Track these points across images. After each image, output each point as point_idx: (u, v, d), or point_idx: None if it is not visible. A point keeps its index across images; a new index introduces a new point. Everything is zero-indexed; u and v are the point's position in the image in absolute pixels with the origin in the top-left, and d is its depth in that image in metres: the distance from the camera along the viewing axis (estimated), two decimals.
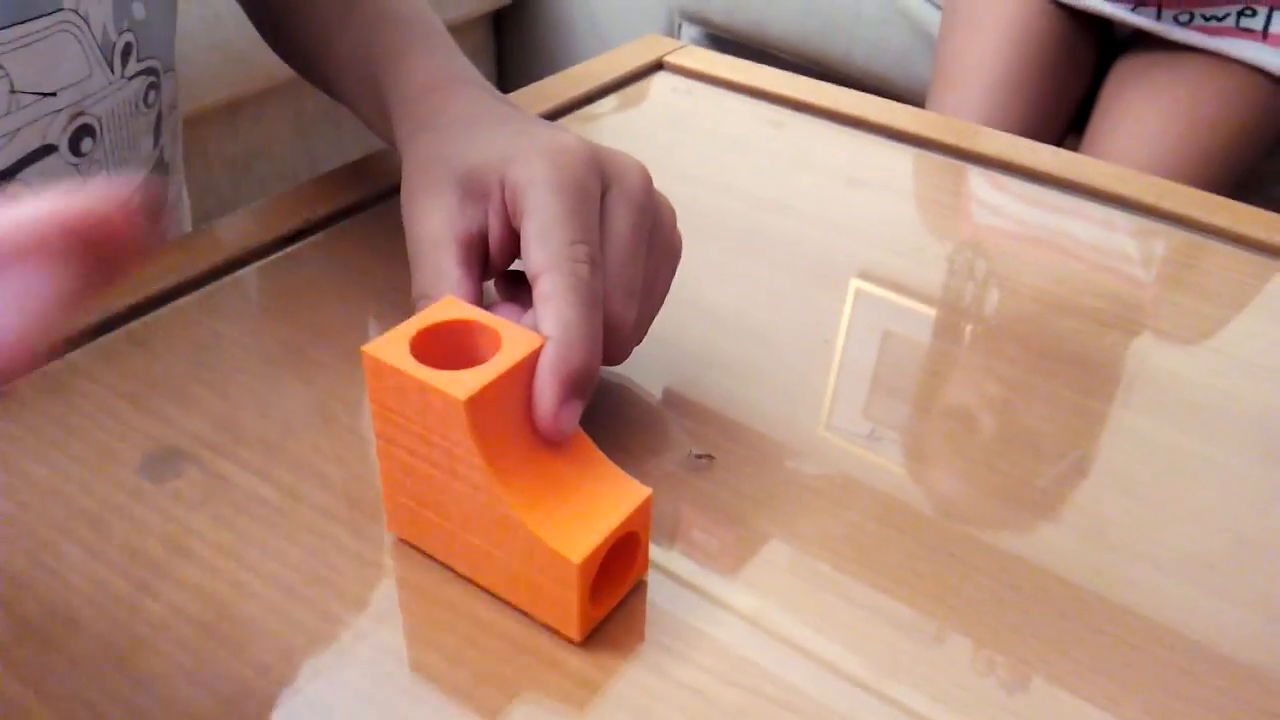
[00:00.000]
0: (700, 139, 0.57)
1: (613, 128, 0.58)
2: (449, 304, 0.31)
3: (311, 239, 0.47)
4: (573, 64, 0.63)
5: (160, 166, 0.52)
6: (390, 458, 0.31)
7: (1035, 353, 0.43)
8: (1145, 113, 0.98)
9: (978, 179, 0.55)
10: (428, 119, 0.40)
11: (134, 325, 0.41)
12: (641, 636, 0.30)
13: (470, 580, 0.31)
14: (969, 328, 0.44)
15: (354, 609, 0.30)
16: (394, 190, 0.40)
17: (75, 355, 0.40)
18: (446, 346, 0.30)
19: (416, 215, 0.36)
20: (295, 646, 0.29)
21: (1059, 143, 1.05)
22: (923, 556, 0.33)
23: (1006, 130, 0.98)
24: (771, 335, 0.43)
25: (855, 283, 0.46)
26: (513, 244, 0.34)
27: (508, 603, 0.30)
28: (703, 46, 1.44)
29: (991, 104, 1.00)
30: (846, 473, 0.36)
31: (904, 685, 0.29)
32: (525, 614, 0.30)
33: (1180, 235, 0.51)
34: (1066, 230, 0.51)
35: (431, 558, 0.32)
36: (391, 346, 0.29)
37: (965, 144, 0.56)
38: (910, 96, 1.11)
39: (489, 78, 1.73)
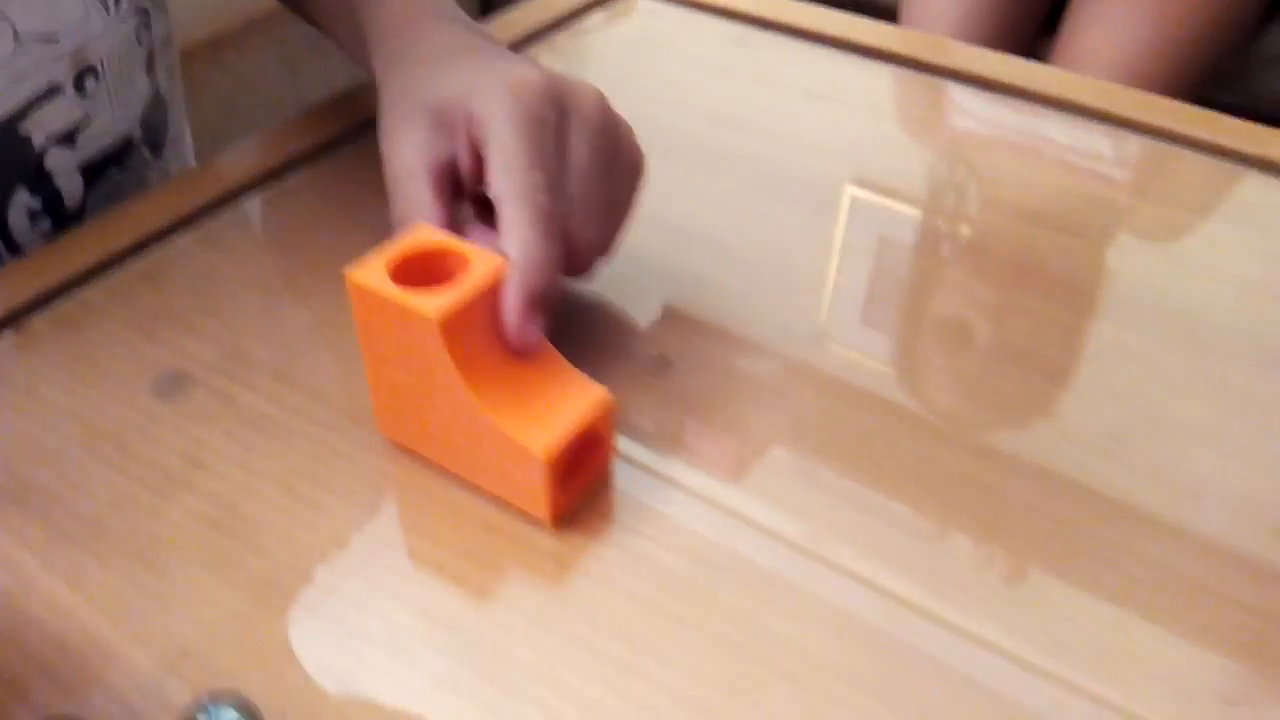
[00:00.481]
0: (667, 59, 0.59)
1: (585, 50, 0.60)
2: (422, 230, 0.34)
3: (301, 172, 0.50)
4: None
5: (157, 102, 0.55)
6: (377, 370, 0.34)
7: (994, 261, 0.45)
8: (1114, 12, 0.99)
9: (939, 92, 0.57)
10: (401, 54, 0.42)
11: (139, 262, 0.44)
12: (608, 519, 0.33)
13: (453, 474, 0.35)
14: (933, 237, 0.47)
15: (350, 503, 0.34)
16: (374, 122, 0.42)
17: (87, 292, 0.43)
18: (421, 269, 0.33)
19: (392, 147, 0.38)
20: (300, 539, 0.33)
21: (1032, 44, 1.07)
22: (862, 439, 0.36)
23: (979, 32, 1.00)
24: (731, 247, 0.45)
25: (816, 195, 0.49)
26: (480, 171, 0.37)
27: (487, 493, 0.34)
28: None
29: (958, 12, 1.01)
30: (795, 371, 0.39)
31: (844, 547, 0.33)
32: (505, 502, 0.34)
33: (1153, 144, 0.53)
34: (1029, 141, 0.53)
35: (418, 455, 0.35)
36: (371, 271, 0.32)
37: (928, 57, 0.58)
38: (892, 5, 1.11)
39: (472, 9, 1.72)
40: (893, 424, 0.37)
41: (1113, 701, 0.30)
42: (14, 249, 0.49)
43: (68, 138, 0.48)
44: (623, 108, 0.39)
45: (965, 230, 0.47)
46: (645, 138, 0.40)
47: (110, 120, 0.50)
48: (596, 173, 0.37)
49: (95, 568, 0.32)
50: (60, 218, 0.50)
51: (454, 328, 0.31)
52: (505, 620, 0.31)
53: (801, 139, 0.53)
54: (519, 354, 0.33)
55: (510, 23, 0.61)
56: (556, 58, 0.60)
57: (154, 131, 0.55)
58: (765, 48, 0.60)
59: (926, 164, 0.51)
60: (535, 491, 0.32)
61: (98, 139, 0.50)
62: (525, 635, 0.30)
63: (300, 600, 0.31)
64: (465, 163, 0.37)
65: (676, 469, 0.35)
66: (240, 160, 0.50)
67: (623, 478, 0.35)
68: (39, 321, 0.41)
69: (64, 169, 0.49)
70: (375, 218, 0.46)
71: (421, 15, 0.45)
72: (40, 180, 0.48)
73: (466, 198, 0.39)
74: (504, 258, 0.33)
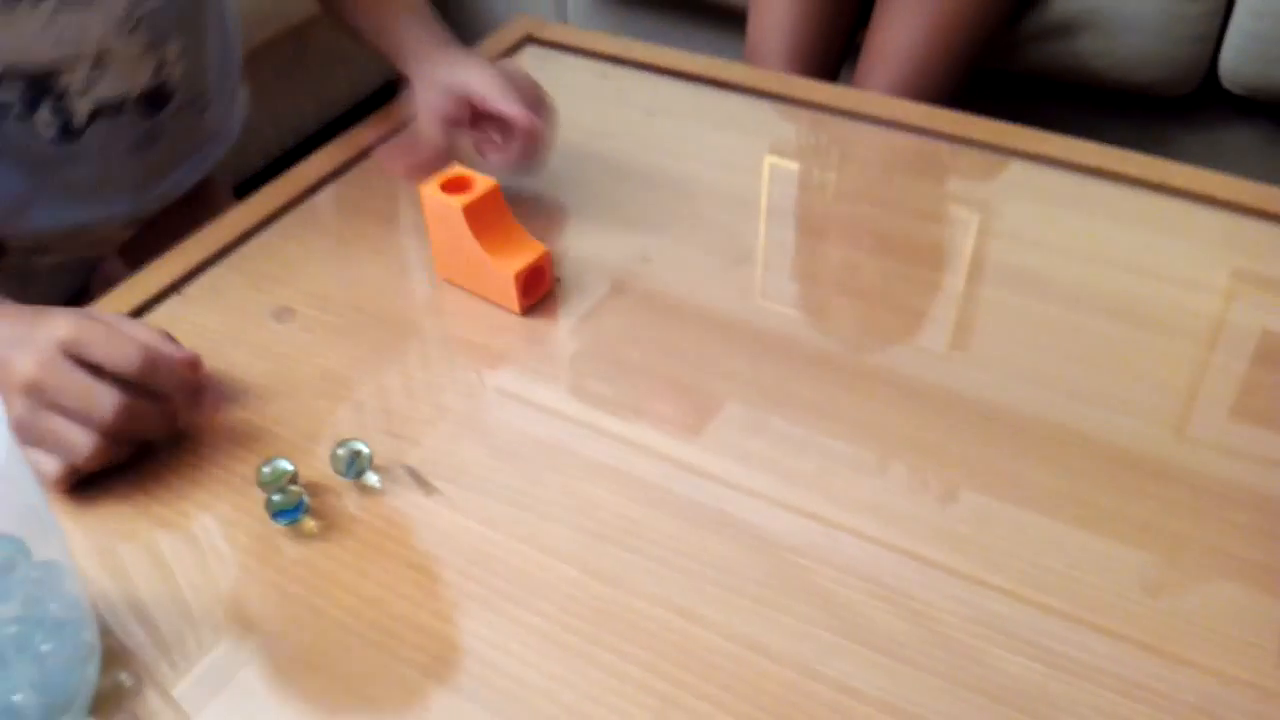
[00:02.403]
0: (556, 93, 0.87)
1: None
2: (454, 166, 0.65)
3: (350, 173, 0.78)
4: (478, 8, 0.93)
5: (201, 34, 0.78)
6: (435, 238, 0.66)
7: (852, 234, 0.75)
8: (902, 12, 1.28)
9: (776, 114, 0.86)
10: (426, 60, 0.75)
11: (247, 246, 0.72)
12: (553, 317, 0.63)
13: (474, 291, 0.66)
14: (806, 220, 0.76)
15: (413, 313, 0.63)
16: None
17: (219, 268, 0.71)
18: (454, 184, 0.64)
19: (421, 105, 0.72)
20: (401, 325, 0.61)
21: (847, 43, 1.36)
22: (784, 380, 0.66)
23: (802, 37, 1.29)
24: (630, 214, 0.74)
25: (670, 183, 0.77)
26: (468, 118, 0.71)
27: (490, 300, 0.65)
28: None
29: (790, 19, 1.30)
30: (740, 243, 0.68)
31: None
32: (496, 303, 0.64)
33: (935, 144, 0.82)
34: (845, 146, 0.82)
35: (457, 285, 0.66)
36: (430, 188, 0.63)
37: (764, 86, 0.87)
38: (741, 9, 1.39)
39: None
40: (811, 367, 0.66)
41: (1052, 606, 0.48)
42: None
43: None
44: None
45: (841, 219, 0.76)
46: (554, 147, 0.69)
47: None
48: (540, 98, 0.70)
49: (220, 436, 0.60)
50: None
51: (469, 212, 0.63)
52: (503, 343, 0.59)
53: (650, 144, 0.82)
54: (500, 224, 0.64)
55: None
56: None
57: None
58: (621, 78, 0.89)
59: (754, 163, 0.80)
60: (510, 293, 0.64)
61: None
62: (511, 350, 0.59)
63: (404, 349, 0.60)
64: (459, 114, 0.71)
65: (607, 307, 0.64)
66: (310, 168, 0.78)
67: (562, 293, 0.64)
68: (190, 289, 0.69)
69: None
70: (411, 198, 0.75)
71: (434, 41, 0.77)
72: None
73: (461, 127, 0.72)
74: (492, 180, 0.64)
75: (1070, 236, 0.71)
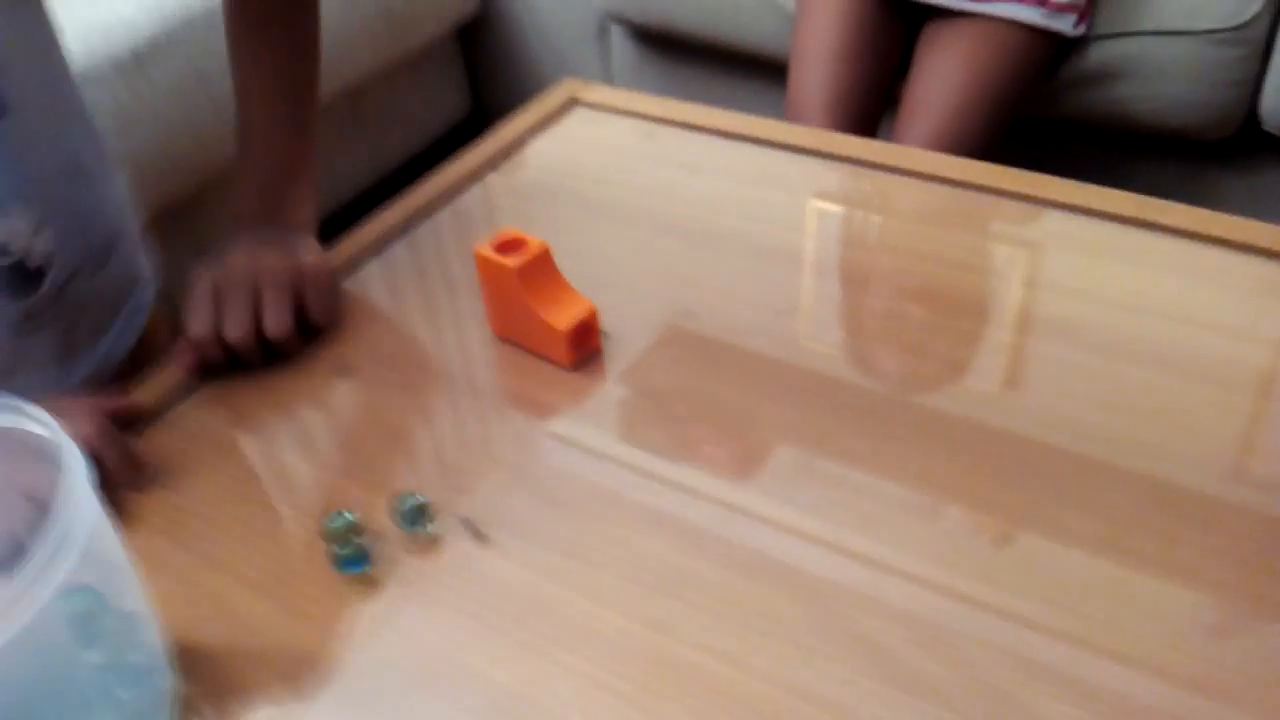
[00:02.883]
0: (602, 153, 0.90)
1: (537, 151, 0.91)
2: (506, 230, 0.67)
3: (406, 236, 0.81)
4: (525, 67, 0.96)
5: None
6: (489, 296, 0.68)
7: (899, 288, 0.76)
8: (941, 64, 1.30)
9: (799, 165, 0.88)
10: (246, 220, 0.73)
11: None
12: (601, 371, 0.65)
13: (526, 348, 0.68)
14: (848, 275, 0.78)
15: (469, 369, 0.65)
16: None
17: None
18: (507, 246, 0.66)
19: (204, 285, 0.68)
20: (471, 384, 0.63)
21: (886, 94, 1.38)
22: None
23: (843, 89, 1.31)
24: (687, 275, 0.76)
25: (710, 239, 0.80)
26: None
27: (542, 355, 0.67)
28: (629, 40, 1.74)
29: (831, 72, 1.32)
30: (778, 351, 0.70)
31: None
32: (549, 358, 0.67)
33: (973, 196, 0.83)
34: (882, 200, 0.84)
35: (510, 341, 0.68)
36: (485, 249, 0.66)
37: (801, 142, 0.89)
38: (782, 61, 1.42)
39: (460, 88, 2.01)
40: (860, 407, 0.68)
41: (1102, 644, 0.48)
42: None
43: None
44: (575, 187, 0.70)
45: (885, 269, 0.78)
46: (580, 203, 0.71)
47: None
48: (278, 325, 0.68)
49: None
50: None
51: (522, 273, 0.65)
52: (555, 398, 0.61)
53: (693, 201, 0.84)
54: (551, 284, 0.66)
55: (513, 127, 0.92)
56: (535, 154, 0.90)
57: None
58: (664, 138, 0.91)
59: (799, 218, 0.82)
60: (561, 349, 0.66)
61: None
62: (563, 403, 0.61)
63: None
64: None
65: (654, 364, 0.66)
66: (367, 231, 0.81)
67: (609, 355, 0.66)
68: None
69: None
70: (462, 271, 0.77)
71: (269, 194, 0.74)
72: None
73: None
74: (543, 241, 0.67)
75: (1110, 286, 0.71)
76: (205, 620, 0.54)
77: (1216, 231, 0.74)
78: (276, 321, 0.68)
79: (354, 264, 0.79)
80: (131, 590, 0.48)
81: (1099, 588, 0.52)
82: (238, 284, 0.68)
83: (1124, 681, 0.48)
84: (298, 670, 0.51)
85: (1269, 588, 0.52)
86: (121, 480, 0.60)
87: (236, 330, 0.67)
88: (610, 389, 0.66)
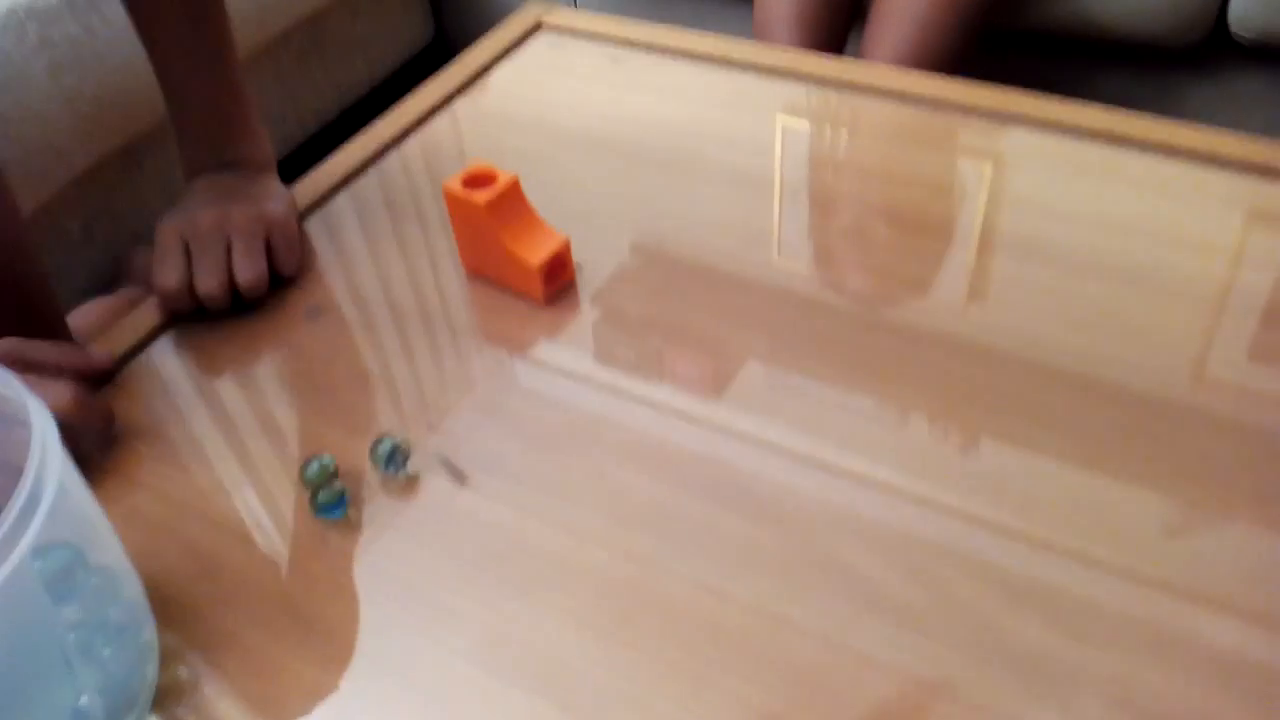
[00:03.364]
0: (569, 79, 0.88)
1: (503, 79, 0.89)
2: (476, 163, 0.65)
3: (371, 170, 0.79)
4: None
5: None
6: (459, 233, 0.67)
7: (872, 209, 0.75)
8: None
9: (784, 90, 0.86)
10: (199, 171, 0.72)
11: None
12: (575, 303, 0.64)
13: (499, 283, 0.66)
14: (824, 191, 0.76)
15: (442, 306, 0.64)
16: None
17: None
18: (476, 181, 0.64)
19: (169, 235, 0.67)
20: (441, 303, 0.62)
21: (854, 8, 1.35)
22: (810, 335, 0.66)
23: (807, 3, 1.28)
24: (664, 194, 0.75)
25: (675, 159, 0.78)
26: None
27: (516, 290, 0.66)
28: None
29: None
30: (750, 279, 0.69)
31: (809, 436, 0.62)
32: (521, 293, 0.65)
33: (941, 114, 0.82)
34: (857, 120, 0.82)
35: (483, 276, 0.67)
36: (453, 184, 0.64)
37: (769, 62, 0.87)
38: None
39: (422, 14, 1.96)
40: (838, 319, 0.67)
41: (1065, 544, 0.50)
42: None
43: None
44: (542, 115, 0.68)
45: (859, 191, 0.76)
46: (554, 126, 0.69)
47: None
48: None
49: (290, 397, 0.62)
50: None
51: (491, 208, 0.63)
52: (529, 332, 0.60)
53: (662, 126, 0.82)
54: (522, 218, 0.65)
55: (479, 52, 0.90)
56: (500, 81, 0.88)
57: None
58: (631, 61, 0.89)
59: (764, 136, 0.81)
60: (534, 284, 0.65)
61: None
62: (537, 336, 0.60)
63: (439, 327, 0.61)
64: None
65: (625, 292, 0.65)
66: (333, 166, 0.79)
67: (584, 293, 0.65)
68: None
69: None
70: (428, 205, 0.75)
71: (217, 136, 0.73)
72: None
73: None
74: (514, 174, 0.65)
75: (1079, 202, 0.70)
76: (184, 571, 0.53)
77: (1184, 143, 0.73)
78: (250, 272, 0.67)
79: (322, 199, 0.77)
80: (107, 545, 0.47)
81: (1072, 490, 0.53)
82: (207, 235, 0.67)
83: (1092, 586, 0.48)
84: (280, 617, 0.51)
85: (1232, 493, 0.52)
86: (98, 448, 0.59)
87: (210, 281, 0.66)
88: (585, 322, 0.65)
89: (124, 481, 0.58)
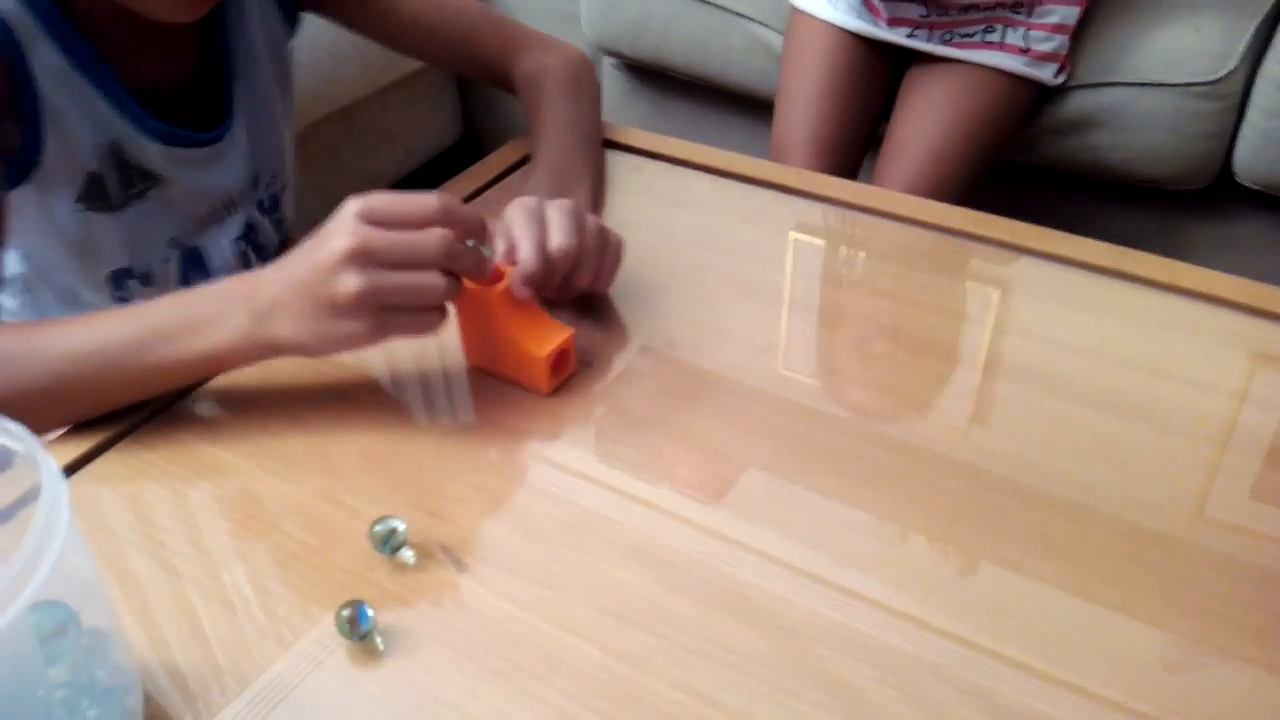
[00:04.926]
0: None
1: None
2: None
3: None
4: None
5: None
6: (465, 327, 0.68)
7: (893, 335, 0.76)
8: (923, 108, 1.31)
9: (799, 208, 0.88)
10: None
11: None
12: (580, 400, 0.65)
13: (501, 375, 0.67)
14: (838, 316, 0.78)
15: (449, 396, 0.64)
16: None
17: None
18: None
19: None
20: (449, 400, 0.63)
21: (869, 136, 1.39)
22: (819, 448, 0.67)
23: (827, 130, 1.32)
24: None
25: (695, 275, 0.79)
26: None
27: (519, 383, 0.67)
28: (620, 72, 1.75)
29: (815, 113, 1.33)
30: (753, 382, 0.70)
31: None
32: (525, 386, 0.66)
33: (951, 240, 0.83)
34: (866, 242, 0.84)
35: (485, 370, 0.68)
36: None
37: (786, 181, 0.89)
38: (769, 99, 1.43)
39: (452, 112, 2.01)
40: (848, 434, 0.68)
41: (1061, 677, 0.49)
42: None
43: None
44: None
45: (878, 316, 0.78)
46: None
47: None
48: (567, 236, 0.67)
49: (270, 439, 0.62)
50: None
51: (499, 300, 0.64)
52: (532, 424, 0.61)
53: (677, 235, 0.84)
54: (527, 311, 0.66)
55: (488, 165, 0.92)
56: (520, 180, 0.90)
57: None
58: (652, 171, 0.92)
59: (782, 258, 0.82)
60: (539, 375, 0.66)
61: None
62: (540, 429, 0.60)
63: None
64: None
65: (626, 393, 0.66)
66: None
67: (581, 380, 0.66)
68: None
69: None
70: None
71: (539, 160, 0.85)
72: None
73: None
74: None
75: (1082, 334, 0.72)
76: (177, 639, 0.53)
77: (1188, 283, 0.75)
78: (568, 238, 0.67)
79: None
80: (102, 606, 0.47)
81: (1067, 622, 0.52)
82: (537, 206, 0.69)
83: (1086, 718, 0.48)
84: (268, 695, 0.50)
85: (1227, 631, 0.52)
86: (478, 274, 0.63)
87: (565, 238, 0.67)
88: (588, 418, 0.66)
89: (122, 544, 0.58)
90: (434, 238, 0.58)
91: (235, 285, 0.63)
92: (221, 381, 0.69)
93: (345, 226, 0.58)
